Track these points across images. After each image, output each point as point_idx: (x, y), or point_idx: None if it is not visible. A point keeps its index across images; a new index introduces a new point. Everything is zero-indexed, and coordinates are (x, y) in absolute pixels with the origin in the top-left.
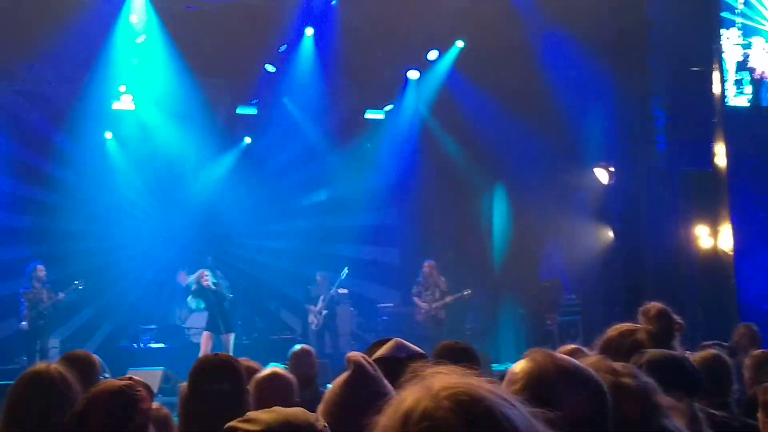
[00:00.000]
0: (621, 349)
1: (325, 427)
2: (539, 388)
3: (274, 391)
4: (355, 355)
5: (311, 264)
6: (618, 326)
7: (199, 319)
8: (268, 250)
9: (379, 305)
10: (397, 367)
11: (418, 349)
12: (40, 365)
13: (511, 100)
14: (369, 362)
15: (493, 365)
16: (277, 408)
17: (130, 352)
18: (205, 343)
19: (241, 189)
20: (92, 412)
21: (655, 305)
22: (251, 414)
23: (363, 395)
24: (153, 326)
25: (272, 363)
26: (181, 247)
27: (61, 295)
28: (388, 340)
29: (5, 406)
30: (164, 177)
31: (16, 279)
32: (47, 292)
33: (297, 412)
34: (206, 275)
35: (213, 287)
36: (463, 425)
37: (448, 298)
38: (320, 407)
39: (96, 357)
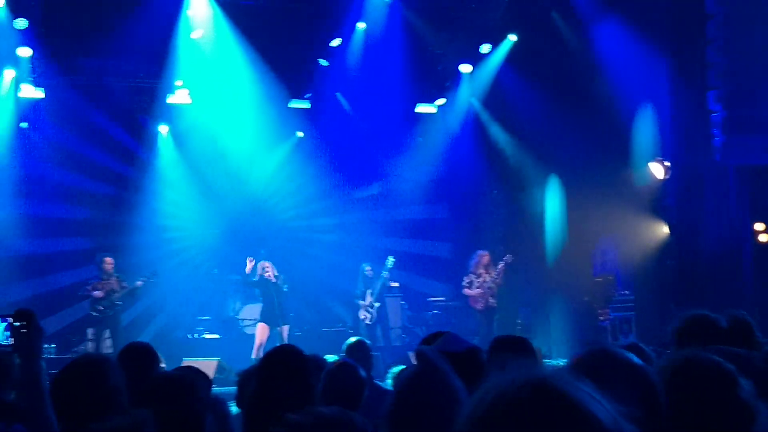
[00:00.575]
0: (697, 339)
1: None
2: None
3: (346, 381)
4: (423, 349)
5: (362, 257)
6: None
7: (253, 311)
8: (319, 243)
9: (429, 299)
10: (457, 360)
11: (471, 343)
12: (88, 354)
13: (564, 93)
14: (437, 356)
15: (545, 360)
16: (330, 408)
17: (185, 342)
18: (260, 334)
19: (293, 182)
20: (154, 400)
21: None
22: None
23: (433, 389)
24: (207, 317)
25: (326, 356)
26: (235, 239)
27: (139, 282)
28: (441, 334)
29: (52, 393)
30: (218, 170)
31: (76, 269)
32: (117, 281)
33: (349, 414)
34: (268, 266)
35: (274, 279)
36: (549, 419)
37: (495, 273)
38: (388, 402)
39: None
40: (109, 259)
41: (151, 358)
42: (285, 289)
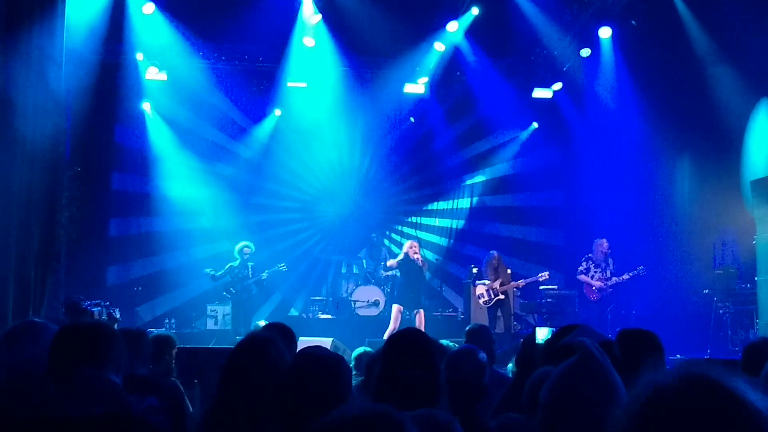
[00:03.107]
0: None
1: None
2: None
3: (468, 367)
4: (585, 341)
5: (473, 243)
6: None
7: (365, 293)
8: (431, 228)
9: (541, 287)
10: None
11: (603, 335)
12: (255, 334)
13: (683, 78)
14: (598, 348)
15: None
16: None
17: (299, 321)
18: (395, 317)
19: (404, 167)
20: (306, 377)
21: None
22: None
23: (593, 383)
24: (321, 298)
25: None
26: (345, 222)
27: (265, 274)
28: (575, 327)
29: (222, 374)
30: (332, 155)
31: (191, 249)
32: (251, 269)
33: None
34: (417, 247)
35: (421, 262)
36: (711, 412)
37: (624, 276)
38: (544, 395)
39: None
40: (248, 247)
41: (291, 336)
42: (428, 276)
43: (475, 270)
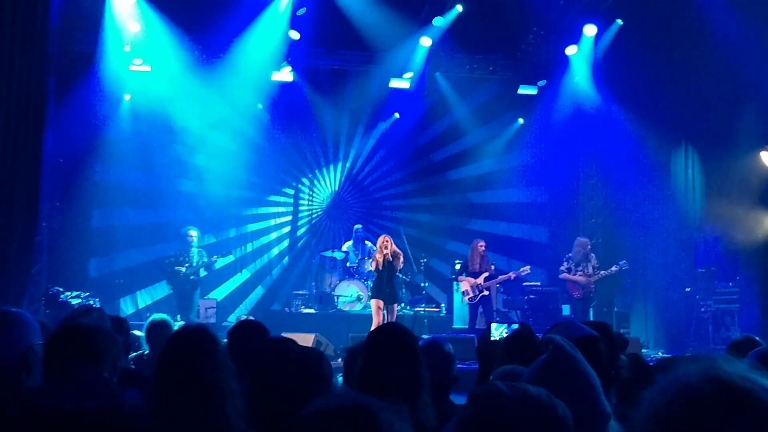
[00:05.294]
0: None
1: None
2: None
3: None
4: (553, 337)
5: (456, 239)
6: None
7: (348, 288)
8: (415, 223)
9: (524, 284)
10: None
11: (591, 330)
12: (187, 325)
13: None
14: (568, 343)
15: (643, 350)
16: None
17: (282, 315)
18: (375, 312)
19: (389, 162)
20: (285, 368)
21: None
22: None
23: (565, 376)
24: (304, 292)
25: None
26: (330, 216)
27: (215, 257)
28: (565, 322)
29: (157, 364)
30: (317, 148)
31: (174, 241)
32: (198, 256)
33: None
34: (388, 240)
35: (390, 257)
36: (733, 413)
37: (610, 269)
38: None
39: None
40: (192, 232)
41: (263, 333)
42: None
43: (458, 266)
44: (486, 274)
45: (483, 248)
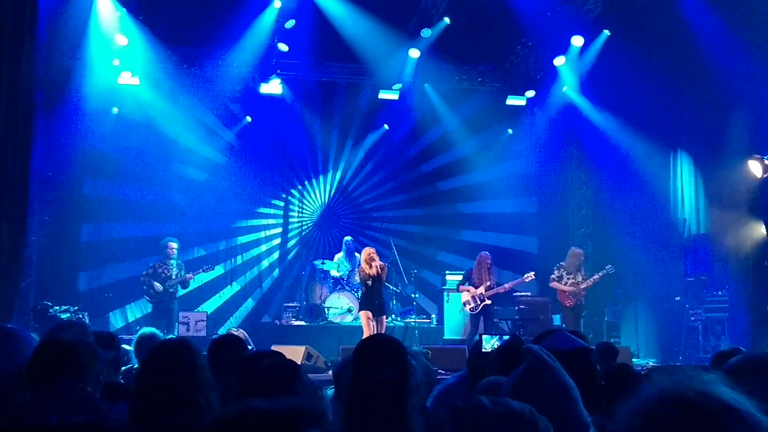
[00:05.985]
0: None
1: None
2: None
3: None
4: (531, 347)
5: (446, 250)
6: None
7: (339, 300)
8: (405, 234)
9: (515, 294)
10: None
11: (582, 341)
12: (166, 340)
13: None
14: (546, 353)
15: (634, 359)
16: None
17: (273, 328)
18: (365, 324)
19: (379, 173)
20: (259, 380)
21: None
22: None
23: (542, 386)
24: (295, 304)
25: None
26: (320, 228)
27: (190, 275)
28: (553, 332)
29: (135, 379)
30: (306, 160)
31: (163, 255)
32: (177, 269)
33: None
34: (372, 252)
35: (377, 268)
36: (680, 424)
37: (595, 276)
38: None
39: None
40: (172, 244)
41: (241, 348)
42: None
43: (453, 277)
44: (488, 283)
45: (490, 262)
